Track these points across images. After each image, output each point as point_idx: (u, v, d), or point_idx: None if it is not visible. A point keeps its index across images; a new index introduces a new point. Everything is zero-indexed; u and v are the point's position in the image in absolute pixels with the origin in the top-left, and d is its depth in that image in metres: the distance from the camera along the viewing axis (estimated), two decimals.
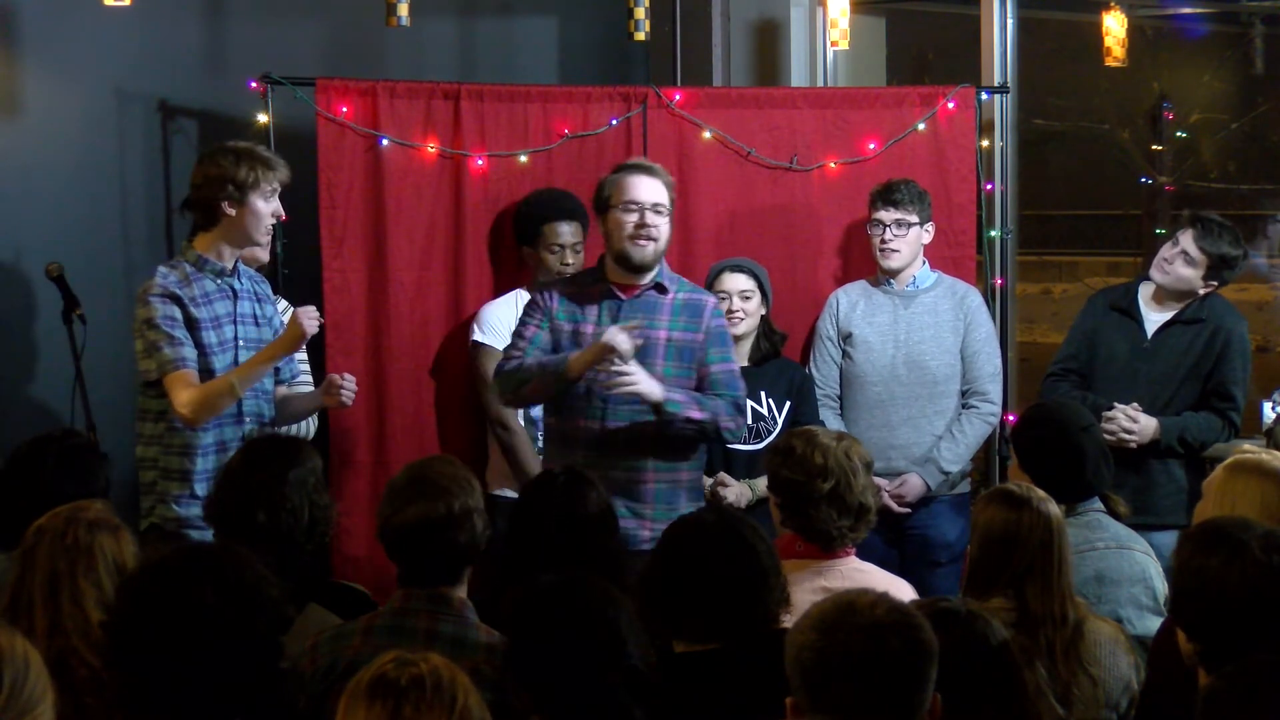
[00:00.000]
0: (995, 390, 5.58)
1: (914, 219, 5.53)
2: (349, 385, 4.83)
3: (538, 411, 5.47)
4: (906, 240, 5.54)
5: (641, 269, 4.82)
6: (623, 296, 4.83)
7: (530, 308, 4.92)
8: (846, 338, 5.59)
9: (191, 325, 4.71)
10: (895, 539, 5.47)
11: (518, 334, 4.90)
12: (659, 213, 4.80)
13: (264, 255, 5.07)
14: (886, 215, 5.54)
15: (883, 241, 5.54)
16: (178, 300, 4.71)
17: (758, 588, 3.26)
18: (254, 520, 3.73)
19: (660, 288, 4.86)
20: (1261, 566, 3.04)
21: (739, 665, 3.19)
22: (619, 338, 4.59)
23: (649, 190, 4.81)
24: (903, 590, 3.72)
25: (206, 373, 4.74)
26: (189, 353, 4.67)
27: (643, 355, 4.74)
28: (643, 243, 4.77)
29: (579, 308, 4.83)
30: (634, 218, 4.77)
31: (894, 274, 5.59)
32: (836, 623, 2.51)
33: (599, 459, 4.64)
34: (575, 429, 4.77)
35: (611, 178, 4.89)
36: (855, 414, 5.56)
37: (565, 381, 4.70)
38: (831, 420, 5.49)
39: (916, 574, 5.26)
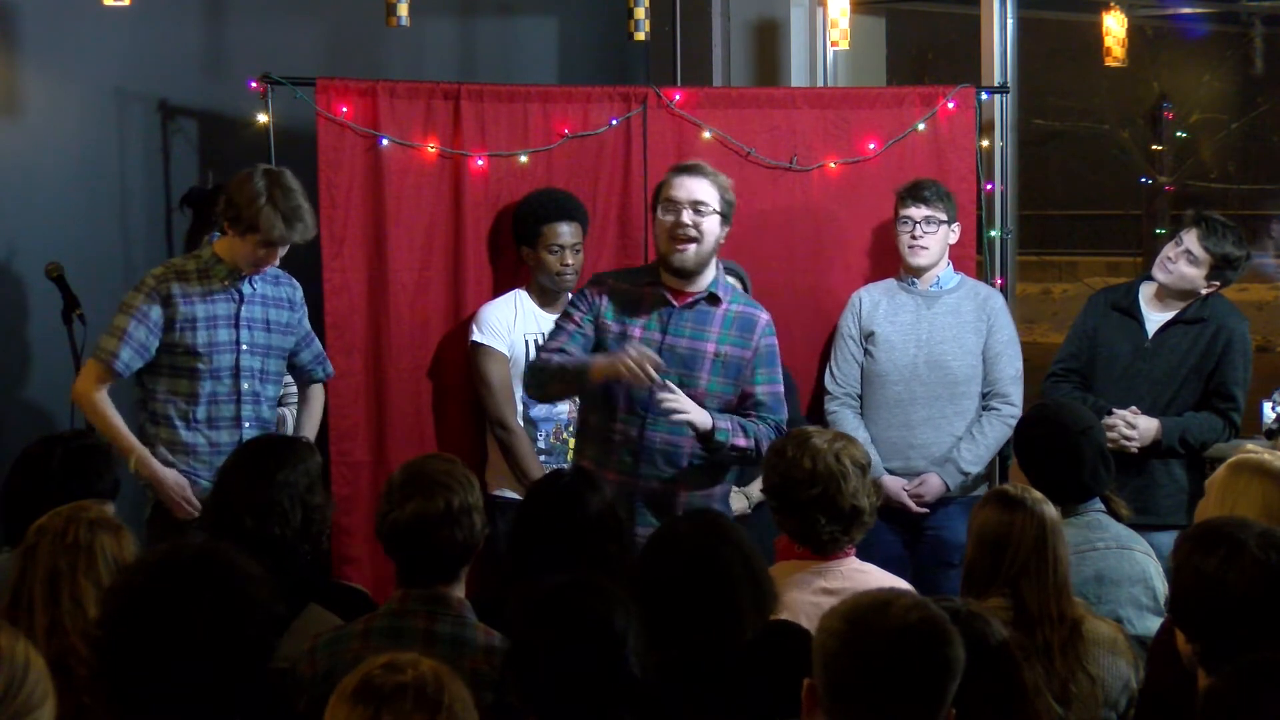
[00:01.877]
0: (1016, 393, 5.56)
1: (943, 216, 5.51)
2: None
3: (537, 412, 5.48)
4: (935, 238, 5.51)
5: (682, 273, 4.69)
6: (675, 304, 4.71)
7: (576, 302, 4.81)
8: (868, 336, 5.57)
9: (174, 323, 4.73)
10: (911, 540, 5.47)
11: (557, 329, 4.82)
12: (700, 211, 4.65)
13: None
14: (916, 212, 5.51)
15: (912, 238, 5.51)
16: (168, 299, 4.73)
17: (723, 598, 3.24)
18: (243, 526, 3.72)
19: (713, 298, 4.74)
20: (1260, 565, 3.04)
21: (726, 668, 3.19)
22: (629, 363, 4.47)
23: (689, 188, 4.66)
24: None
25: (188, 370, 4.77)
26: (128, 355, 4.75)
27: (688, 366, 4.67)
28: (680, 245, 4.63)
29: (629, 310, 4.72)
30: (670, 218, 4.66)
31: (921, 272, 5.57)
32: (867, 620, 2.49)
33: (635, 467, 4.64)
34: (613, 433, 4.69)
35: (663, 180, 4.81)
36: (876, 413, 5.54)
37: (585, 386, 4.66)
38: (851, 420, 5.48)
39: (930, 574, 5.28)
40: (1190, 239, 5.39)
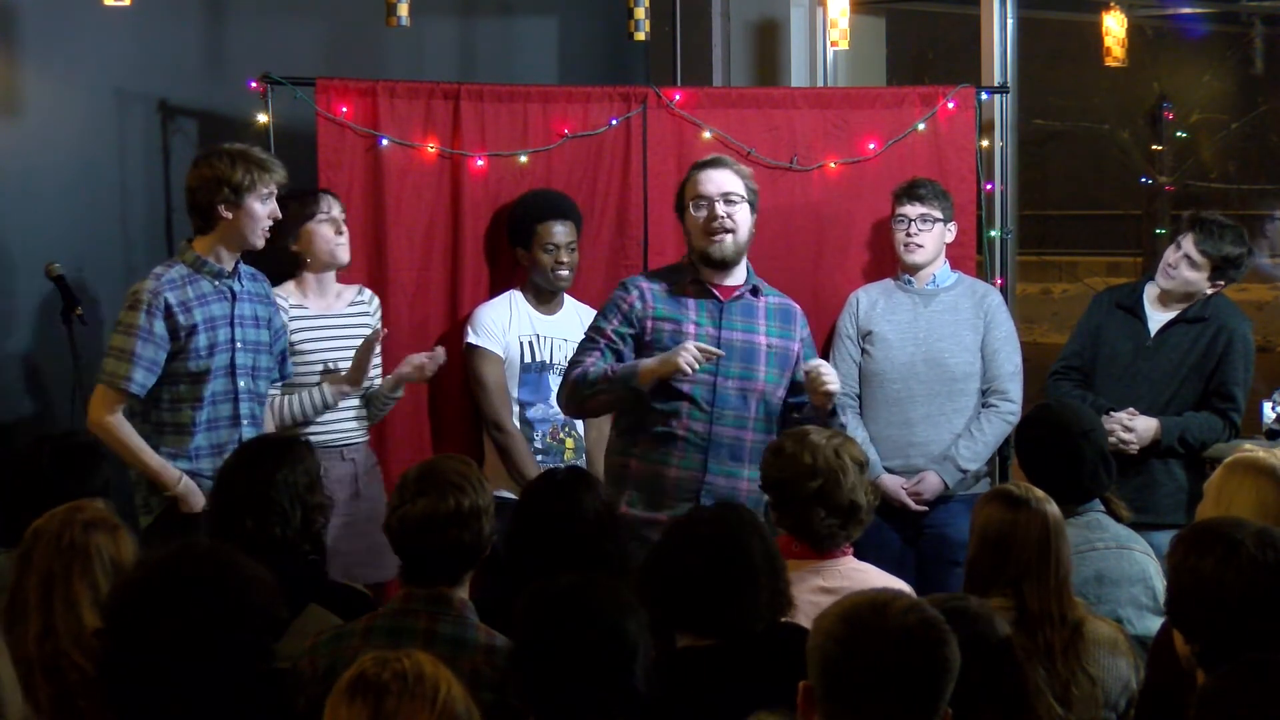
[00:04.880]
0: (1015, 389, 5.55)
1: (938, 214, 5.53)
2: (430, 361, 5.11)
3: (533, 413, 5.47)
4: (930, 235, 5.53)
5: (724, 264, 4.75)
6: (721, 298, 4.76)
7: (614, 308, 4.77)
8: (866, 335, 5.58)
9: (178, 333, 4.70)
10: (912, 538, 5.48)
11: (587, 343, 4.77)
12: (731, 201, 4.72)
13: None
14: (911, 210, 5.53)
15: (907, 235, 5.54)
16: (168, 311, 4.70)
17: (743, 586, 3.25)
18: (243, 526, 3.72)
19: (755, 290, 4.83)
20: (1258, 564, 3.04)
21: (733, 662, 3.19)
22: (689, 359, 4.51)
23: (717, 181, 4.75)
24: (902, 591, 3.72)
25: (198, 375, 4.75)
26: (141, 376, 4.68)
27: (747, 359, 4.73)
28: (718, 237, 4.71)
29: (676, 305, 4.74)
30: (704, 213, 4.72)
31: (916, 269, 5.58)
32: (866, 622, 2.49)
33: (702, 463, 4.65)
34: (676, 431, 4.67)
35: (686, 179, 4.84)
36: (874, 411, 5.55)
37: (636, 392, 4.63)
38: (850, 420, 5.50)
39: (933, 573, 5.28)
40: (1188, 243, 5.40)
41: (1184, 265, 5.41)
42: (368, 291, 5.40)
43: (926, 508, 5.45)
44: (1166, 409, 5.39)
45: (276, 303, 5.10)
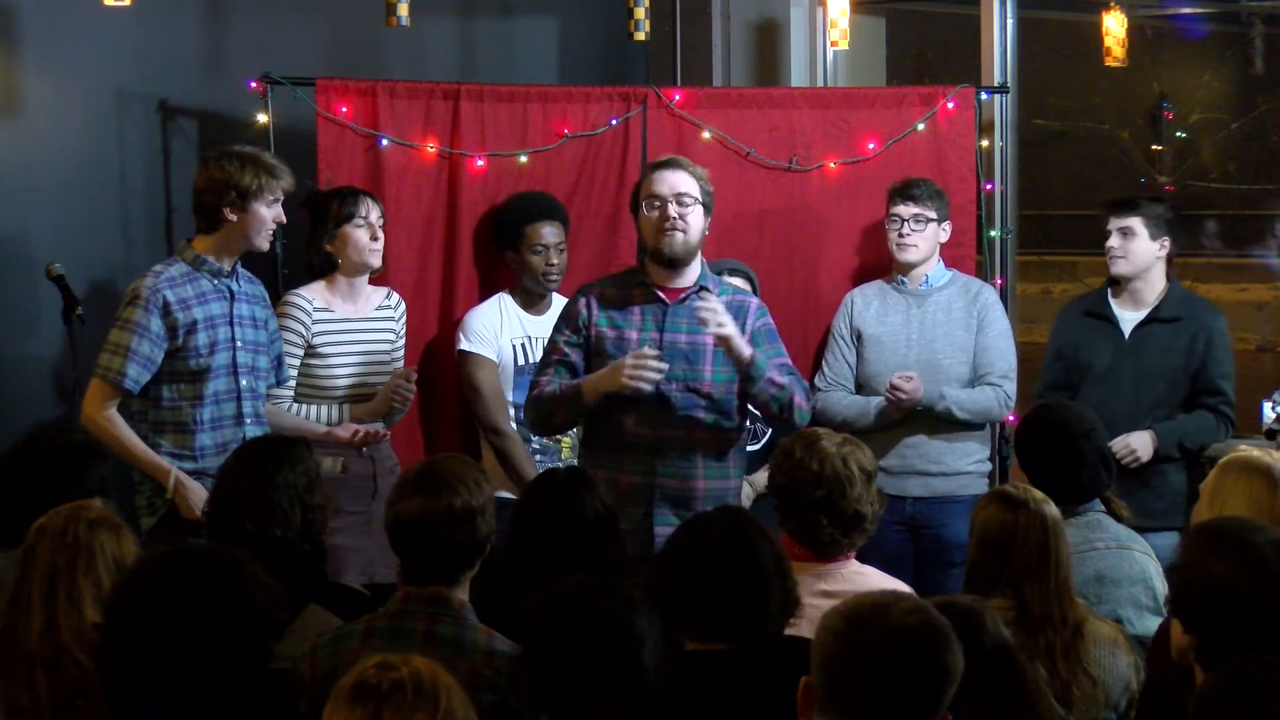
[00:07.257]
0: (1008, 385, 5.52)
1: (931, 214, 5.53)
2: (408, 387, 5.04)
3: None
4: (923, 235, 5.53)
5: (674, 263, 4.72)
6: (667, 301, 4.74)
7: (565, 319, 4.81)
8: (859, 337, 5.59)
9: (176, 330, 4.70)
10: (912, 539, 5.47)
11: (546, 356, 4.82)
12: (684, 203, 4.70)
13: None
14: (904, 210, 5.53)
15: (900, 236, 5.54)
16: (166, 309, 4.70)
17: (754, 590, 3.25)
18: (243, 528, 3.72)
19: (703, 290, 4.77)
20: (1274, 572, 3.02)
21: (742, 667, 3.19)
22: (631, 376, 4.54)
23: (670, 182, 4.72)
24: None
25: (198, 373, 4.75)
26: (136, 372, 4.68)
27: (692, 360, 4.69)
28: (669, 234, 4.68)
29: (621, 312, 4.73)
30: (656, 212, 4.69)
31: (909, 269, 5.58)
32: (867, 621, 2.49)
33: (652, 466, 4.63)
34: (625, 436, 4.66)
35: (641, 179, 4.84)
36: None
37: (585, 407, 4.65)
38: (839, 395, 5.51)
39: (930, 574, 5.28)
40: (1112, 223, 5.48)
41: (1120, 238, 5.46)
42: (395, 295, 5.38)
43: (904, 396, 5.34)
44: (1153, 411, 5.39)
45: (299, 304, 5.12)
